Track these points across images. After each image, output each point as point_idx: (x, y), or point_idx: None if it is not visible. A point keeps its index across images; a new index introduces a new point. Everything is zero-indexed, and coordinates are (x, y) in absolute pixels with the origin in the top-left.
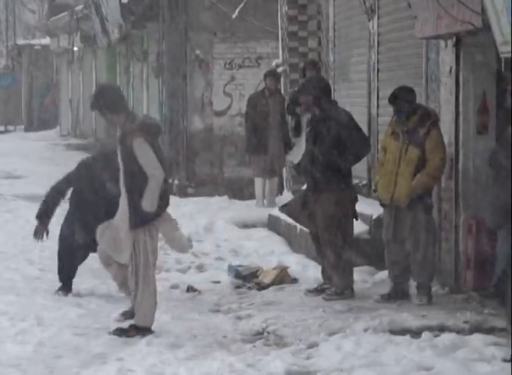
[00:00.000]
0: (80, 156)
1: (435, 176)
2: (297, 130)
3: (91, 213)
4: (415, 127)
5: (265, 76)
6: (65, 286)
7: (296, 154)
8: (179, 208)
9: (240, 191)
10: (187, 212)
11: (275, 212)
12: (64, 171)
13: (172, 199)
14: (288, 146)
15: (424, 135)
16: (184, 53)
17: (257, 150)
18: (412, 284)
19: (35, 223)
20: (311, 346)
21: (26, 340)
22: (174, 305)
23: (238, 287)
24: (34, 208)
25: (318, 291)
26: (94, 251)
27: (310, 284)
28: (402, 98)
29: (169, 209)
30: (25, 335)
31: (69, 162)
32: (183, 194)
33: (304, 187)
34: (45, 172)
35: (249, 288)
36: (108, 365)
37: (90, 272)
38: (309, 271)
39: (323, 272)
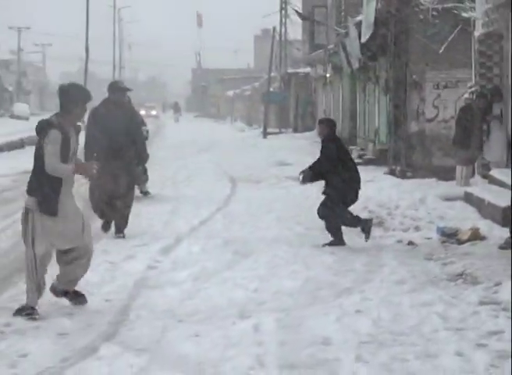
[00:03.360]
0: None
1: None
2: (488, 132)
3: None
4: None
5: (477, 97)
6: (337, 240)
7: (490, 153)
8: (400, 187)
9: (444, 174)
10: (407, 190)
11: (470, 189)
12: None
13: (395, 180)
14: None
15: None
16: (405, 78)
17: (463, 145)
18: None
19: (298, 197)
20: (497, 284)
21: (297, 277)
22: (399, 254)
23: (444, 242)
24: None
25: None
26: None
27: (496, 241)
28: None
29: (393, 187)
30: (296, 274)
31: None
32: (403, 176)
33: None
34: (306, 160)
35: (451, 243)
36: (353, 295)
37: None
38: (495, 231)
39: None
